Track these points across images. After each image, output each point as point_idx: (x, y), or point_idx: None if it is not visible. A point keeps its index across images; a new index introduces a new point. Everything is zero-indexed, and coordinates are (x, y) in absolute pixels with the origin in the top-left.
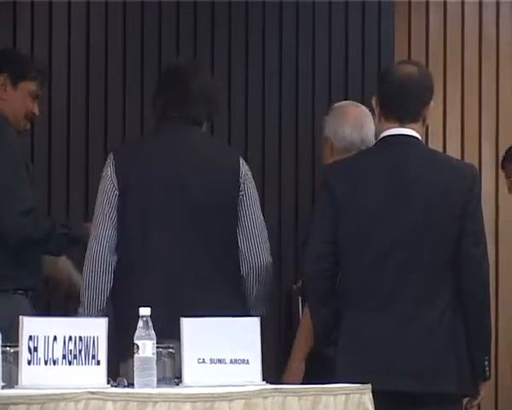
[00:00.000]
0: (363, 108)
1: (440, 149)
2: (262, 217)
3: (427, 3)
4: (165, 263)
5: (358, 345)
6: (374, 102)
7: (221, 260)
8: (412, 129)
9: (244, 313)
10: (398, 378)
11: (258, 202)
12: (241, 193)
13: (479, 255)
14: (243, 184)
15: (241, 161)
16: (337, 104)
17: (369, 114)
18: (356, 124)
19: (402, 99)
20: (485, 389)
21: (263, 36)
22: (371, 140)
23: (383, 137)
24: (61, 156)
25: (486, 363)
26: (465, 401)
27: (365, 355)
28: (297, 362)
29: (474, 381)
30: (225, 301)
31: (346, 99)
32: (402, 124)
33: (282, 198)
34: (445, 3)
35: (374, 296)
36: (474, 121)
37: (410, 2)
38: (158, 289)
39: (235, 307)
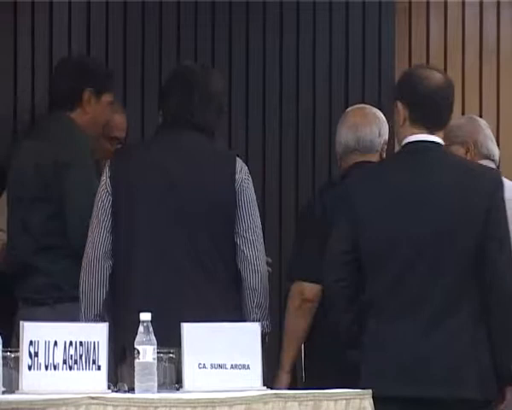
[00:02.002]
0: (367, 110)
1: None
2: (259, 223)
3: (428, 4)
4: (152, 269)
5: (382, 352)
6: (398, 105)
7: (212, 266)
8: (438, 136)
9: (234, 316)
10: (422, 385)
11: (254, 207)
12: (237, 199)
13: (503, 261)
14: (239, 190)
15: (239, 166)
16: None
17: (372, 114)
18: (350, 126)
19: (434, 109)
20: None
21: (263, 36)
22: (372, 141)
23: (408, 143)
24: None
25: None
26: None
27: (389, 362)
28: (285, 375)
29: (500, 386)
30: (216, 305)
31: (346, 100)
32: (429, 131)
33: (282, 199)
34: (445, 4)
35: (398, 303)
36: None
37: (410, 3)
38: (146, 296)
39: (224, 311)
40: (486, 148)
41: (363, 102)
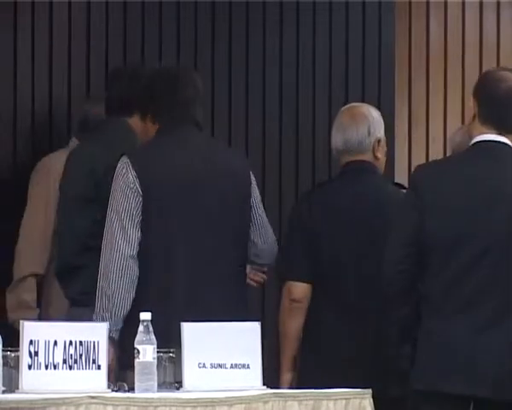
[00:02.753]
0: (356, 109)
1: (441, 153)
2: (265, 216)
3: (428, 4)
4: (193, 275)
5: (437, 348)
6: (472, 101)
7: (235, 261)
8: (507, 138)
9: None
10: (475, 384)
11: (261, 204)
12: (252, 194)
13: None
14: (253, 185)
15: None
16: None
17: (361, 113)
18: (338, 127)
19: (504, 111)
20: None
21: (263, 36)
22: (360, 142)
23: (477, 142)
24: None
25: None
26: None
27: (443, 358)
28: (285, 374)
29: None
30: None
31: (346, 99)
32: (499, 132)
33: (282, 200)
34: (445, 4)
35: (457, 301)
36: None
37: (410, 3)
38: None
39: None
40: None
41: (363, 102)
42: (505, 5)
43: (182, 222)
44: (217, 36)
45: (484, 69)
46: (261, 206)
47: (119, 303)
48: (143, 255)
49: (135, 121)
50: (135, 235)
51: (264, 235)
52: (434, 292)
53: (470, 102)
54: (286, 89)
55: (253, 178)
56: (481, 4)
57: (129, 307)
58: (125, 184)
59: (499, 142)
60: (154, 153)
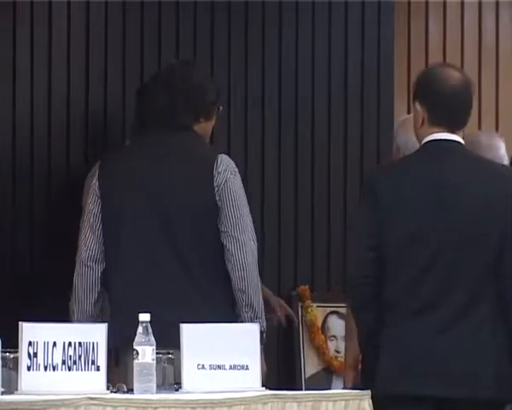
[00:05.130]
0: None
1: None
2: (248, 220)
3: (427, 4)
4: (137, 269)
5: (399, 350)
6: (417, 106)
7: (195, 265)
8: (457, 135)
9: (215, 318)
10: (438, 384)
11: (241, 205)
12: (222, 199)
13: None
14: (223, 189)
15: (222, 165)
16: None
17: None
18: None
19: (455, 109)
20: None
21: (262, 36)
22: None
23: (428, 142)
24: (60, 155)
25: None
26: (508, 407)
27: (405, 361)
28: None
29: None
30: (200, 307)
31: (345, 100)
32: (450, 130)
33: (281, 203)
34: (444, 4)
35: (417, 302)
36: (473, 122)
37: (409, 3)
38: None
39: (210, 312)
40: None
41: (362, 102)
42: (504, 5)
43: (134, 224)
44: (216, 36)
45: (483, 69)
46: (239, 210)
47: (79, 307)
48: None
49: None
50: (94, 239)
51: (236, 242)
52: (394, 295)
53: (416, 106)
54: (285, 89)
55: (227, 177)
56: (480, 5)
57: (91, 309)
58: (91, 188)
59: (451, 140)
60: (121, 157)
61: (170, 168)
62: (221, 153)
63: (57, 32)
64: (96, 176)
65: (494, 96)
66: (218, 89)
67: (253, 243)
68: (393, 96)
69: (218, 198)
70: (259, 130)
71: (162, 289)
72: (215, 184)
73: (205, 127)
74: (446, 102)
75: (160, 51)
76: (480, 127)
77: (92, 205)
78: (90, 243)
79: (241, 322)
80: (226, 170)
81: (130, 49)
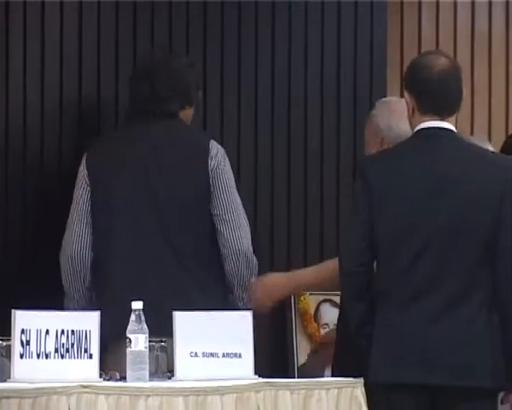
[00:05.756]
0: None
1: None
2: (239, 202)
3: (420, 4)
4: (127, 256)
5: (392, 339)
6: (406, 96)
7: (187, 252)
8: (449, 122)
9: (208, 304)
10: (431, 372)
11: (232, 189)
12: (214, 183)
13: None
14: (215, 174)
15: (213, 150)
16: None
17: None
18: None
19: (443, 94)
20: None
21: (255, 36)
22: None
23: (420, 130)
24: (53, 155)
25: None
26: (501, 395)
27: (398, 349)
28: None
29: (510, 375)
30: (190, 293)
31: (338, 99)
32: (440, 118)
33: (274, 200)
34: (437, 4)
35: (409, 290)
36: (466, 117)
37: (402, 3)
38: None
39: (200, 298)
40: None
41: (355, 102)
42: (497, 4)
43: (125, 212)
44: (209, 36)
45: (476, 68)
46: (231, 194)
47: (69, 292)
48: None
49: None
50: (81, 229)
51: (229, 225)
52: (386, 284)
53: (405, 97)
54: (277, 88)
55: (219, 161)
56: (473, 4)
57: (82, 296)
58: (79, 177)
59: (442, 128)
60: (109, 145)
61: (161, 155)
62: (210, 138)
63: (50, 32)
64: (84, 164)
65: (487, 92)
66: (198, 75)
67: (246, 225)
68: (386, 95)
69: (211, 182)
70: (252, 129)
71: (155, 276)
72: (209, 169)
73: (188, 114)
74: (434, 89)
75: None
76: (472, 120)
77: (80, 192)
78: (83, 232)
79: (234, 306)
80: (217, 154)
81: (123, 48)
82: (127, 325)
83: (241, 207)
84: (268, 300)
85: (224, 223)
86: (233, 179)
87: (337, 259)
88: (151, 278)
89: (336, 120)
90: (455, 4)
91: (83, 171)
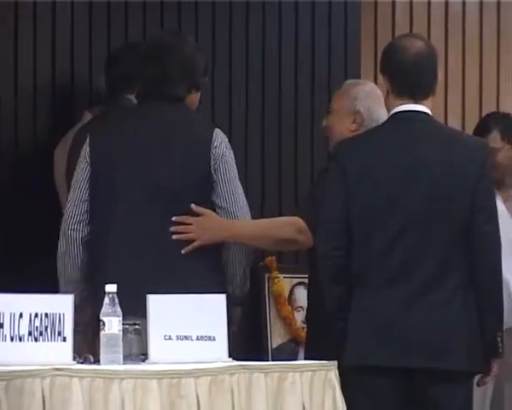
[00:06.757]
0: None
1: None
2: (240, 192)
3: (394, 4)
4: (128, 239)
5: (367, 322)
6: (380, 78)
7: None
8: (424, 105)
9: (208, 289)
10: (406, 355)
11: (234, 179)
12: (217, 172)
13: (490, 232)
14: (218, 163)
15: (218, 139)
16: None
17: None
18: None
19: (417, 76)
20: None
21: (229, 36)
22: None
23: (395, 113)
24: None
25: (499, 339)
26: (477, 378)
27: (372, 332)
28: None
29: (487, 358)
30: (189, 279)
31: (312, 98)
32: (415, 101)
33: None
34: (411, 4)
35: (385, 273)
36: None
37: (376, 3)
38: (121, 264)
39: (198, 284)
40: None
41: (329, 100)
42: (471, 5)
43: (125, 193)
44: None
45: (450, 69)
46: (233, 184)
47: (63, 273)
48: (90, 225)
49: None
50: (81, 205)
51: (230, 215)
52: (362, 267)
53: (380, 79)
54: (251, 86)
55: (223, 151)
56: (447, 4)
57: (77, 273)
58: (81, 156)
59: (417, 111)
60: (112, 127)
61: (166, 141)
62: (215, 126)
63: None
64: (87, 143)
65: (460, 89)
66: (206, 59)
67: (247, 215)
68: None
69: (213, 172)
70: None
71: (154, 261)
72: (212, 158)
73: (194, 98)
74: (407, 71)
75: None
76: (446, 104)
77: (81, 170)
78: (78, 208)
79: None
80: (222, 144)
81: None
82: (124, 308)
83: (242, 198)
84: (199, 237)
85: (224, 212)
86: (235, 170)
87: (284, 219)
88: (149, 261)
89: (310, 123)
90: (428, 4)
91: (86, 149)
